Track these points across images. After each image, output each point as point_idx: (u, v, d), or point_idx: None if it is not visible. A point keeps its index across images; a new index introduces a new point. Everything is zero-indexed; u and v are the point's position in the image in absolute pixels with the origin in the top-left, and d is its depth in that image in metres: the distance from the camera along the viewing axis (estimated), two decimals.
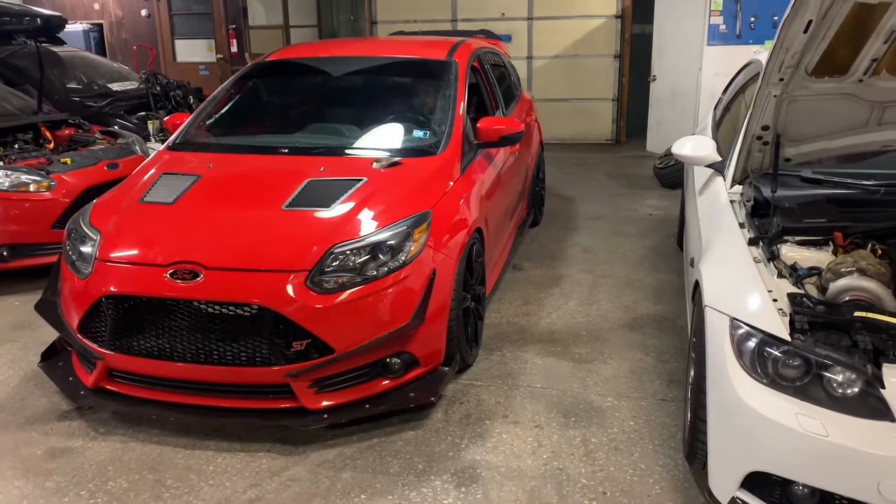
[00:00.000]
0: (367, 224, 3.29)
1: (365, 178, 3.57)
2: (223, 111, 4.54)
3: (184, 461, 3.06)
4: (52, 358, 3.61)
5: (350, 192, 3.46)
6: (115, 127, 6.96)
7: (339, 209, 3.35)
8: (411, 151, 3.96)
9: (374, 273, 3.15)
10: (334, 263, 3.13)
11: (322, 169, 3.68)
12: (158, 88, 7.79)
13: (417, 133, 4.15)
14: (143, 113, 7.42)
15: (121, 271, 3.20)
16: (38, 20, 7.67)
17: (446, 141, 3.98)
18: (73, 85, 7.87)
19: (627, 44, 10.36)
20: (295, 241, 3.19)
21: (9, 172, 4.94)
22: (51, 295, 3.58)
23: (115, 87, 7.82)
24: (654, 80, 9.43)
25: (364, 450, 3.12)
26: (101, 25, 13.54)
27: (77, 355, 3.45)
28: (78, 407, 3.42)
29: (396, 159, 3.80)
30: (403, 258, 3.21)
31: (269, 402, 3.15)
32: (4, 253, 4.90)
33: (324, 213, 3.33)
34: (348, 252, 3.16)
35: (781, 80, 2.79)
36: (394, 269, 3.18)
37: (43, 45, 7.25)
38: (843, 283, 2.55)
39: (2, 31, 7.31)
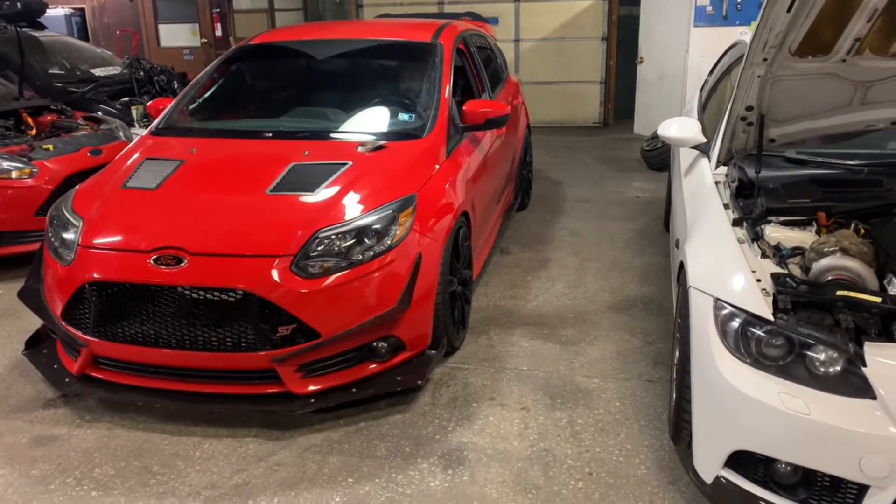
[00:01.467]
0: (353, 208, 3.27)
1: (350, 162, 3.55)
2: (206, 96, 4.50)
3: (170, 447, 3.05)
4: (37, 346, 3.58)
5: (335, 176, 3.44)
6: (99, 113, 6.88)
7: (324, 193, 3.33)
8: (396, 135, 3.94)
9: (360, 257, 3.14)
10: (319, 248, 3.12)
11: (306, 153, 3.66)
12: (142, 73, 7.72)
13: (403, 116, 4.13)
14: (126, 98, 7.35)
15: (104, 257, 3.17)
16: (18, 4, 7.54)
17: (432, 124, 3.96)
18: (55, 71, 7.78)
19: (615, 26, 10.33)
20: (279, 225, 3.17)
21: None
22: (34, 282, 3.55)
23: (98, 72, 7.74)
24: (641, 62, 9.41)
25: (351, 434, 3.13)
26: (83, 10, 13.37)
27: (61, 343, 3.43)
28: (63, 395, 3.41)
29: (381, 143, 3.78)
30: (389, 242, 3.20)
31: (256, 388, 3.14)
32: None
33: (308, 198, 3.31)
34: (333, 236, 3.15)
35: (765, 60, 2.79)
36: (379, 253, 3.16)
37: (23, 30, 7.16)
38: (825, 262, 2.57)
39: None
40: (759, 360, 2.35)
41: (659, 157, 7.54)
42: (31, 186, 4.94)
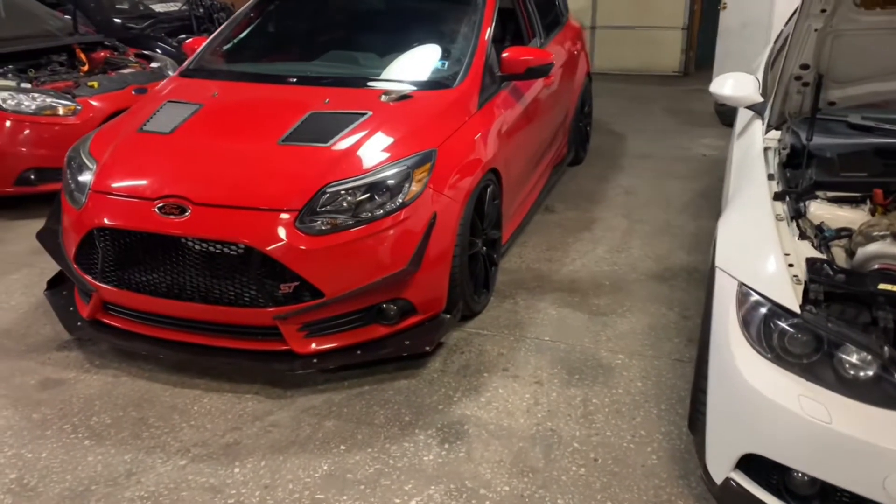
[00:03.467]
0: (366, 162, 3.09)
1: (370, 112, 3.36)
2: (240, 37, 4.35)
3: (170, 399, 3.01)
4: (59, 286, 3.59)
5: (351, 126, 3.26)
6: (157, 51, 6.87)
7: (338, 145, 3.16)
8: (426, 83, 3.71)
9: (369, 215, 2.97)
10: (327, 203, 2.97)
11: (327, 101, 3.48)
12: (202, 10, 7.64)
13: (435, 63, 3.88)
14: (184, 36, 7.28)
15: (111, 203, 3.11)
16: None
17: (465, 72, 3.70)
18: (122, 6, 7.81)
19: None
20: (286, 178, 3.03)
21: (36, 95, 4.91)
22: (53, 223, 3.55)
23: (159, 8, 7.71)
24: (724, 7, 8.72)
25: (353, 397, 3.01)
26: None
27: (77, 286, 3.43)
28: (79, 338, 3.40)
29: (407, 92, 3.56)
30: (402, 200, 3.02)
31: (258, 344, 3.06)
32: (32, 177, 4.93)
33: (321, 149, 3.15)
34: (342, 192, 2.99)
35: (823, 11, 2.43)
36: (390, 211, 2.99)
37: None
38: (872, 248, 2.25)
39: None
40: (781, 357, 2.08)
41: (733, 111, 7.02)
42: (75, 124, 4.95)
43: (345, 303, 2.99)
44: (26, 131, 4.85)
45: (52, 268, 4.07)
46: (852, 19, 2.48)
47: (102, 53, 5.99)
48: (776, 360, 2.09)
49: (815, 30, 2.51)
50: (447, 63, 3.85)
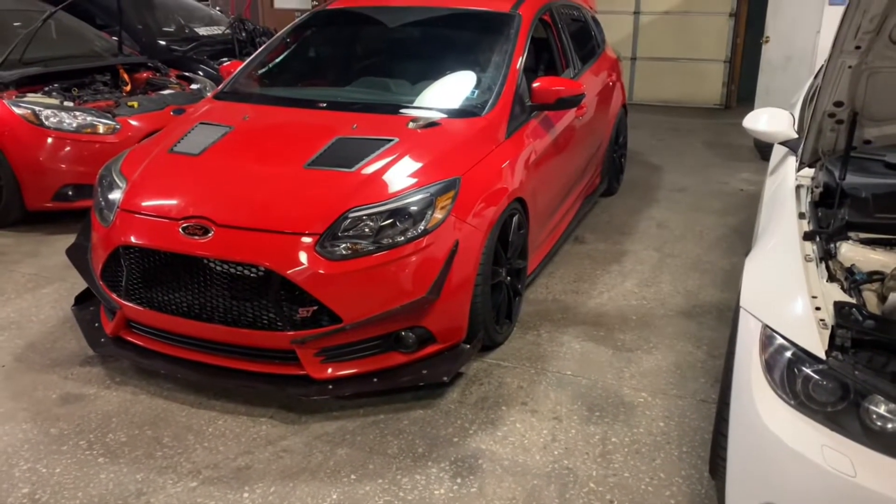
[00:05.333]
0: (389, 188, 3.08)
1: (396, 139, 3.36)
2: (274, 61, 4.41)
3: (186, 420, 3.01)
4: (86, 302, 3.64)
5: (377, 152, 3.26)
6: (199, 73, 7.01)
7: (362, 171, 3.16)
8: (455, 111, 3.70)
9: (390, 241, 2.95)
10: (349, 228, 2.96)
11: (354, 126, 3.49)
12: (244, 34, 7.79)
13: (465, 92, 3.88)
14: (226, 59, 7.42)
15: (138, 222, 3.14)
16: None
17: (494, 101, 3.69)
18: (167, 28, 7.99)
19: (744, 1, 9.57)
20: (309, 202, 3.03)
21: (77, 114, 5.03)
22: (84, 240, 3.60)
23: (203, 31, 7.88)
24: (766, 41, 8.62)
25: (367, 426, 2.98)
26: None
27: (102, 303, 3.46)
28: (102, 354, 3.43)
29: (435, 119, 3.56)
30: (423, 227, 3.00)
31: (274, 367, 3.04)
32: (70, 192, 5.04)
33: (345, 174, 3.15)
34: (364, 217, 2.98)
35: (858, 48, 2.36)
36: (411, 238, 2.97)
37: None
38: None
39: None
40: (804, 404, 1.99)
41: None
42: (114, 142, 5.04)
43: (363, 329, 2.97)
44: (66, 148, 4.96)
45: (83, 283, 4.15)
46: (889, 56, 2.40)
47: (145, 74, 6.14)
48: (799, 406, 2.00)
49: (850, 67, 2.43)
50: (477, 91, 3.84)
